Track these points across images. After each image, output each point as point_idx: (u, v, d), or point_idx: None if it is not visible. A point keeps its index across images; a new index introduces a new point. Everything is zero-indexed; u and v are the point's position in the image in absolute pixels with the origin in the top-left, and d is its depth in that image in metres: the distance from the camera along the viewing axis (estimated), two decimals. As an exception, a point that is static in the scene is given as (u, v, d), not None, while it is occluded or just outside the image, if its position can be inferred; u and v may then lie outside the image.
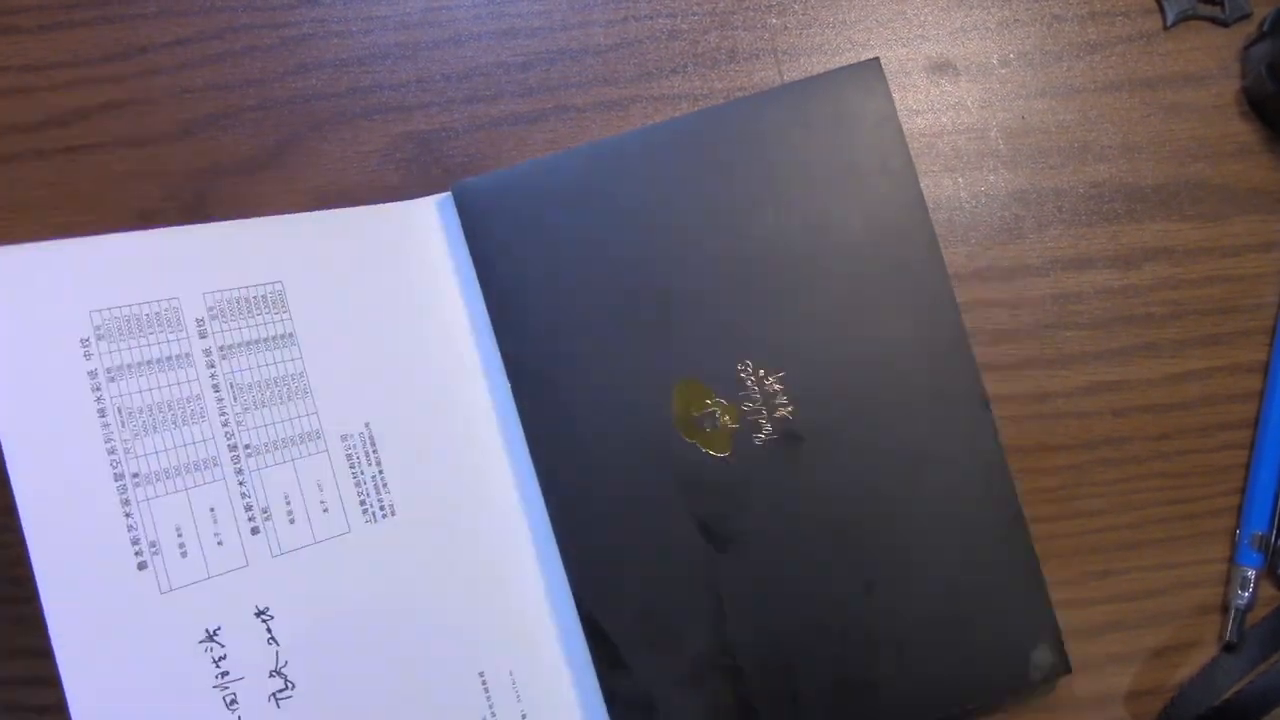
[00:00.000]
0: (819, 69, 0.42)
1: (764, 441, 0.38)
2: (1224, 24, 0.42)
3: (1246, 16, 0.42)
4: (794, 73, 0.42)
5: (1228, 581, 0.41)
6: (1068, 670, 0.39)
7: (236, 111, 0.41)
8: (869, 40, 0.42)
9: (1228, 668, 0.40)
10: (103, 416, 0.35)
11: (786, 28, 0.42)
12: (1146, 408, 0.42)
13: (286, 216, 0.38)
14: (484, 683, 0.38)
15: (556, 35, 0.42)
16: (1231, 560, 0.41)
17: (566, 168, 0.39)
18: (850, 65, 0.39)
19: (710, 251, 0.39)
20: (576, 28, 0.42)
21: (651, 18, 0.42)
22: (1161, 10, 0.42)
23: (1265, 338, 0.42)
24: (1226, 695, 0.39)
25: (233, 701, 0.34)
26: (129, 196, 0.41)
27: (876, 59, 0.39)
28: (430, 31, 0.42)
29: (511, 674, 0.38)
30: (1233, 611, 0.40)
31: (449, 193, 0.39)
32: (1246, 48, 0.42)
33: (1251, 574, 0.40)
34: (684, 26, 0.42)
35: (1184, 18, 0.42)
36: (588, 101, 0.42)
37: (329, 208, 0.41)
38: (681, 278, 0.39)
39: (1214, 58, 0.42)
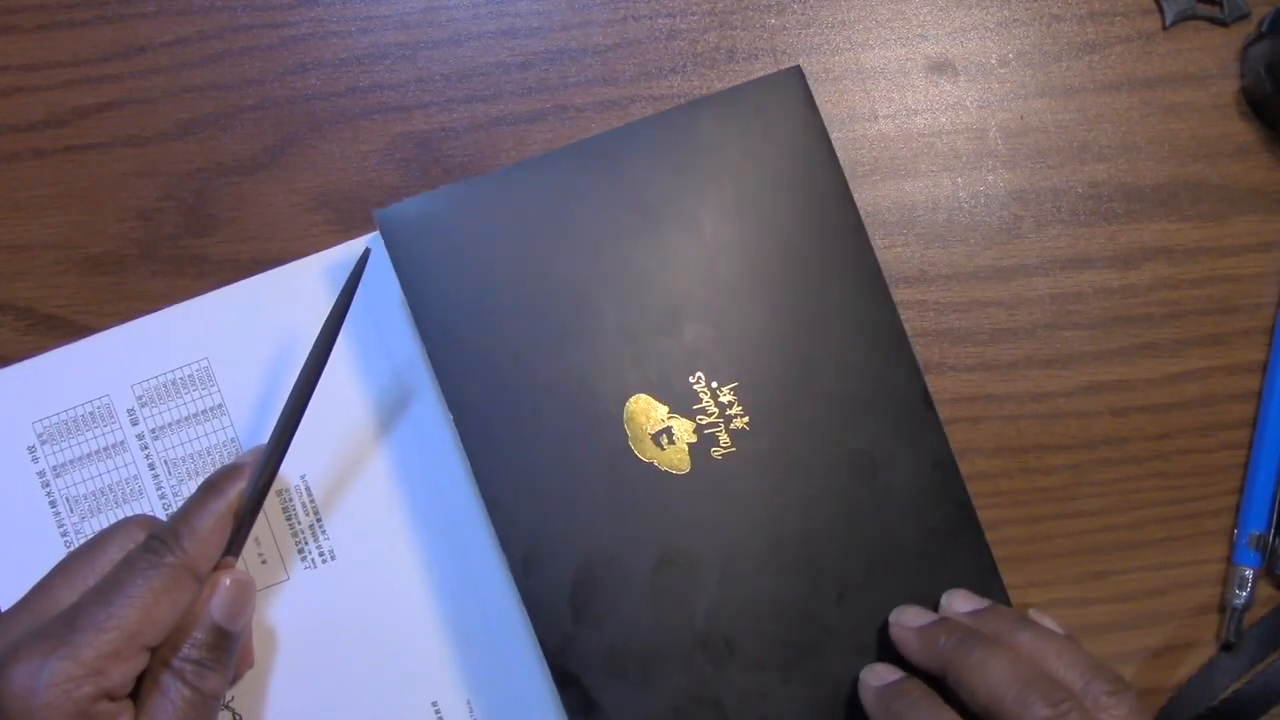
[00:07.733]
0: (818, 69, 0.42)
1: (723, 455, 0.38)
2: (1223, 24, 0.42)
3: (1245, 16, 0.42)
4: (793, 72, 0.42)
5: (1226, 581, 0.41)
6: None
7: (236, 111, 0.41)
8: (868, 40, 0.42)
9: (1226, 667, 0.40)
10: (53, 507, 0.39)
11: (785, 28, 0.42)
12: (1146, 408, 0.42)
13: (211, 294, 0.40)
14: (438, 713, 0.39)
15: (556, 35, 0.42)
16: (1230, 560, 0.41)
17: (494, 189, 0.38)
18: (771, 74, 0.39)
19: (648, 266, 0.38)
20: (576, 28, 0.42)
21: (651, 18, 0.42)
22: (1160, 10, 0.42)
23: (1264, 338, 0.42)
24: (1225, 694, 0.39)
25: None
26: (128, 196, 0.41)
27: (798, 66, 0.39)
28: (430, 31, 0.42)
29: (469, 703, 0.39)
30: (1231, 611, 0.40)
31: (378, 233, 0.39)
32: (1245, 48, 0.42)
33: (1249, 573, 0.40)
34: (683, 26, 0.42)
35: (1183, 18, 0.42)
36: (587, 101, 0.42)
37: (328, 208, 0.41)
38: (621, 295, 0.38)
39: (1213, 58, 0.42)
